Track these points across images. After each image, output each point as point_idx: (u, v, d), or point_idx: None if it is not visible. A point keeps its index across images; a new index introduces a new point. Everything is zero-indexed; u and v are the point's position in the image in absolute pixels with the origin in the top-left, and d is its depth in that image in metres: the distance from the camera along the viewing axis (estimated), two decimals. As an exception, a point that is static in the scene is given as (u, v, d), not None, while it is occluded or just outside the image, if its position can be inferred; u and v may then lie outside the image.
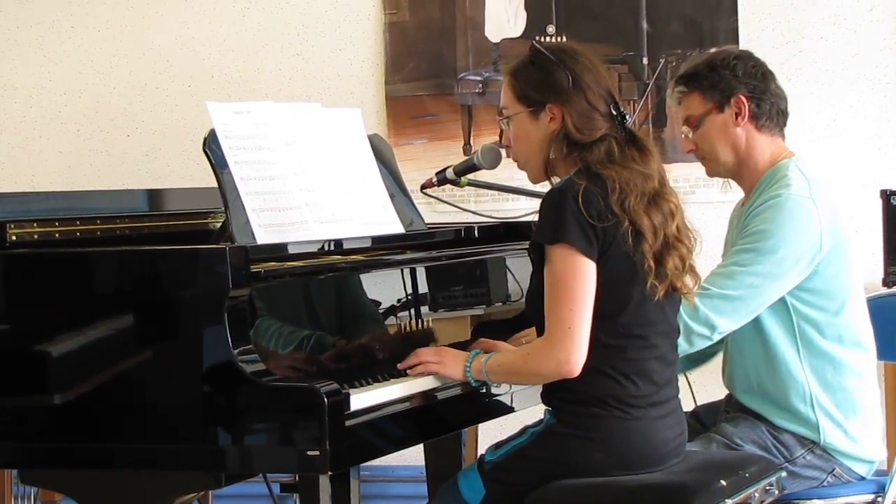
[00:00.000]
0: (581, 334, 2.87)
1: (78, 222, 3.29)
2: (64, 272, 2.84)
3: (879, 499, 3.35)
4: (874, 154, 4.96)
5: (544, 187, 3.08)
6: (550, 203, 2.92)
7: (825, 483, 3.32)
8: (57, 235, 3.25)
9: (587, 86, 2.98)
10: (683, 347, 3.18)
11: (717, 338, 3.24)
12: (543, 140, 3.01)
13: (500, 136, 3.16)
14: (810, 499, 3.34)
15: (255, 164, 3.09)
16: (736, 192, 3.54)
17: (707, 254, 3.54)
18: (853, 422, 3.32)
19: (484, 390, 3.12)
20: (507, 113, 3.07)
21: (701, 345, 3.23)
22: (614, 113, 2.98)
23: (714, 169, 3.43)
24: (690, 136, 3.39)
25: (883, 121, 4.96)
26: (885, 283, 4.46)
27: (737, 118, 3.35)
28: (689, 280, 3.01)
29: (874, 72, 4.95)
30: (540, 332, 2.97)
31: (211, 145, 3.04)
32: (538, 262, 2.95)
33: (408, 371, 3.04)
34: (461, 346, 3.29)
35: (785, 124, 3.41)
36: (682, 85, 3.40)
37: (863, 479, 3.35)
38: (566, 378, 2.90)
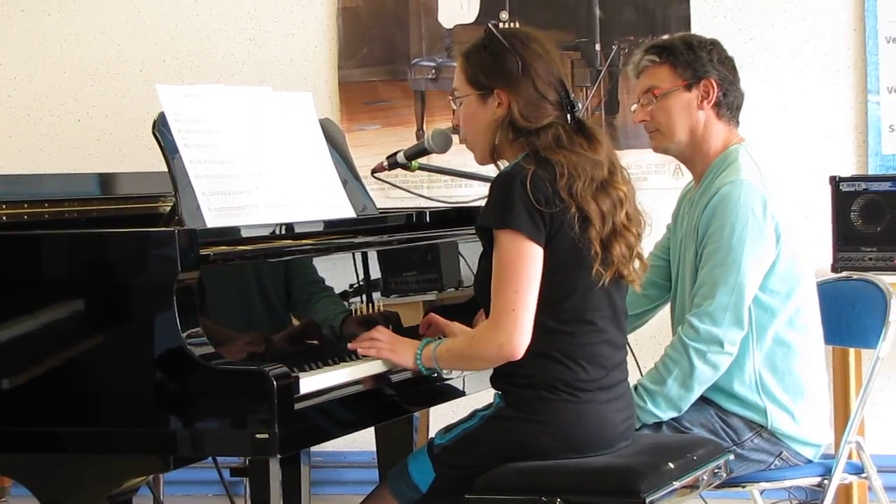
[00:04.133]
0: (524, 317, 2.88)
1: (25, 205, 3.27)
2: (11, 255, 2.82)
3: (826, 481, 3.38)
4: (824, 141, 5.00)
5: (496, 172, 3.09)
6: (499, 187, 2.92)
7: (772, 466, 3.35)
8: (4, 218, 3.23)
9: (537, 73, 2.99)
10: (707, 376, 3.21)
11: (730, 349, 3.23)
12: (490, 124, 3.02)
13: (454, 115, 3.17)
14: (758, 482, 3.37)
15: (205, 147, 3.08)
16: (687, 178, 3.56)
17: (656, 241, 3.57)
18: (801, 406, 3.34)
19: (436, 377, 3.12)
20: (458, 94, 3.08)
21: (721, 362, 3.23)
22: (564, 102, 2.99)
23: (663, 145, 3.44)
24: (648, 107, 3.40)
25: (832, 108, 5.00)
26: (834, 269, 4.50)
27: (702, 101, 3.37)
28: (636, 266, 3.02)
29: (824, 59, 4.99)
30: (488, 317, 2.97)
31: (161, 128, 3.02)
32: (486, 245, 2.96)
33: (359, 351, 3.03)
34: (414, 330, 3.30)
35: (739, 119, 3.44)
36: (653, 54, 3.40)
37: (810, 462, 3.38)
38: (510, 361, 2.90)
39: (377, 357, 3.03)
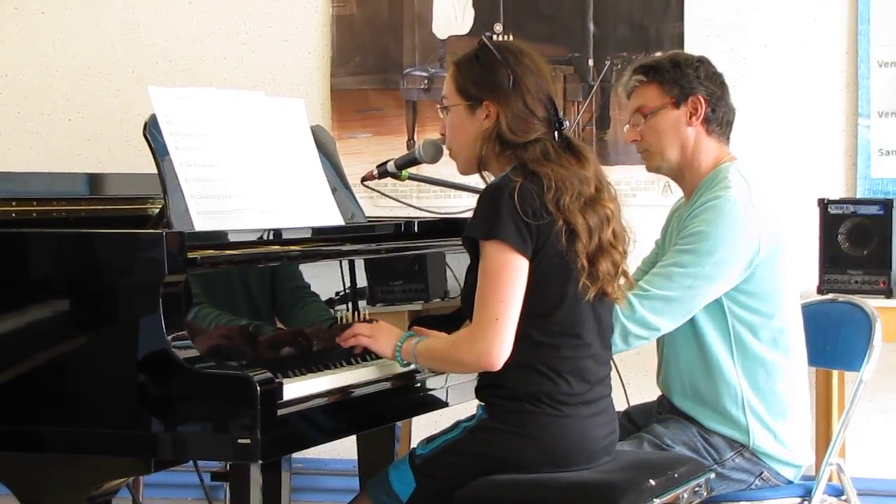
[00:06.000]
0: (506, 328, 2.88)
1: (14, 203, 3.26)
2: (-3, 253, 2.82)
3: (805, 502, 3.38)
4: (814, 163, 5.01)
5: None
6: (487, 198, 2.93)
7: (753, 486, 3.35)
8: (-9, 216, 3.23)
9: (527, 88, 3.00)
10: (620, 347, 3.20)
11: (653, 338, 3.27)
12: (477, 135, 3.03)
13: (441, 124, 3.17)
14: (738, 501, 3.36)
15: (196, 150, 3.08)
16: (676, 196, 3.57)
17: (644, 256, 3.58)
18: (783, 426, 3.35)
19: (413, 376, 3.11)
20: (446, 103, 3.09)
21: (637, 344, 3.25)
22: (552, 119, 3.00)
23: (655, 164, 3.45)
24: (638, 127, 3.41)
25: (823, 131, 5.01)
26: (820, 291, 4.51)
27: (690, 118, 3.38)
28: (621, 283, 3.02)
29: (816, 82, 5.00)
30: (472, 327, 2.97)
31: (151, 130, 3.02)
32: (473, 257, 2.96)
33: (342, 343, 3.05)
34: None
35: (730, 136, 3.45)
36: (641, 74, 3.41)
37: (790, 483, 3.38)
38: (489, 371, 2.91)
39: (357, 345, 3.05)
